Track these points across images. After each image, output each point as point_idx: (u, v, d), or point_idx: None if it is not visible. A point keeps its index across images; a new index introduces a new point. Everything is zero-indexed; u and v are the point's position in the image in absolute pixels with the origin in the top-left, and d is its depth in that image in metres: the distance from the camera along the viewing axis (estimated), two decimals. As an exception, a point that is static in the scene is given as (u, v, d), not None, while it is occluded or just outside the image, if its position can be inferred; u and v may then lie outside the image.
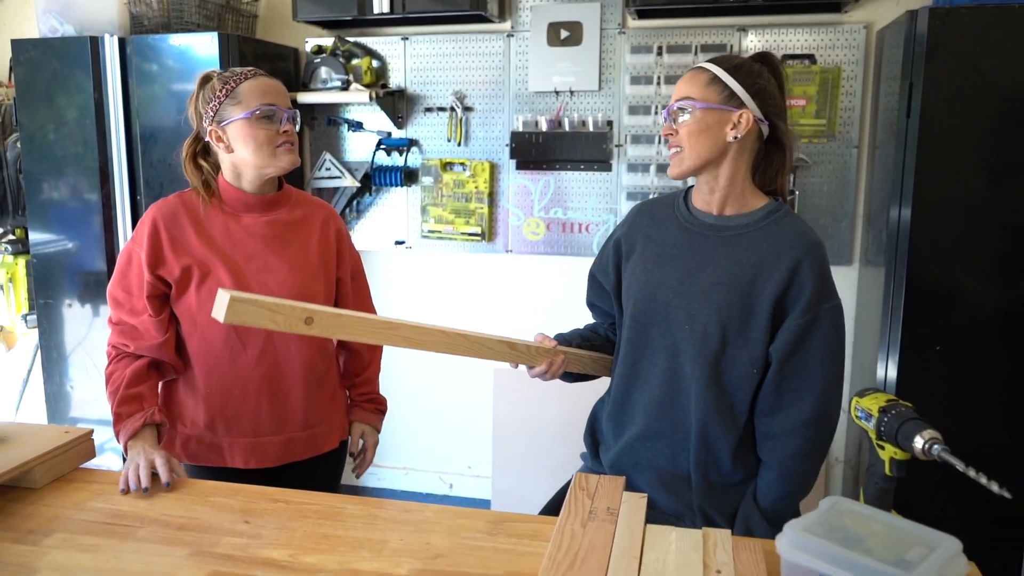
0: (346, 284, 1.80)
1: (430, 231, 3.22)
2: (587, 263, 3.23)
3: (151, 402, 1.58)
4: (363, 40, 3.19)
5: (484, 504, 3.37)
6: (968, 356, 2.40)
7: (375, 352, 1.91)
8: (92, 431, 1.58)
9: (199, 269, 1.61)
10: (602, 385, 1.79)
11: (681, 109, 1.47)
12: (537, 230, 3.18)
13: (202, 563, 1.20)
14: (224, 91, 1.58)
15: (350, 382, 1.89)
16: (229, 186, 1.65)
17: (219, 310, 1.24)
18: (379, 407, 1.91)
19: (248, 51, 2.97)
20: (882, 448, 1.15)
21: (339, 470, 1.88)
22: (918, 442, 1.07)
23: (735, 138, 1.46)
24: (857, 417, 1.20)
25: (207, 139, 1.63)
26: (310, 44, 3.17)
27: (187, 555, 1.22)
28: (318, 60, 3.11)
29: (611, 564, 1.11)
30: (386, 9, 2.90)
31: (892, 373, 2.48)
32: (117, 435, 1.53)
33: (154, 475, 1.45)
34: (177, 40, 2.86)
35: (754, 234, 1.48)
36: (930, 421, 1.09)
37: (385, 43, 3.20)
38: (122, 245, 3.04)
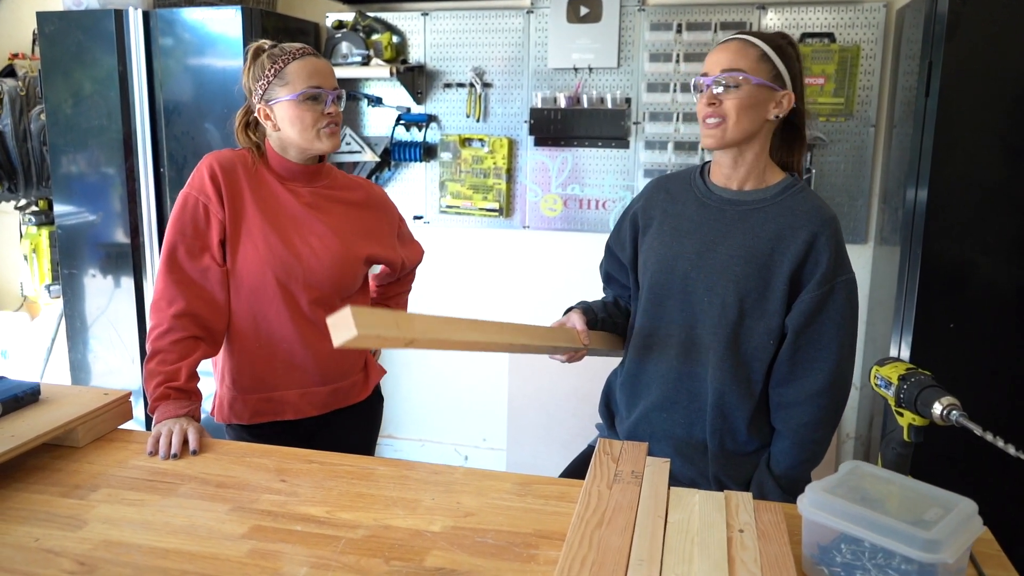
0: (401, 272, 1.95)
1: (448, 206, 3.26)
2: (604, 240, 3.27)
3: (197, 398, 1.62)
4: (383, 15, 3.21)
5: (498, 476, 3.43)
6: (981, 334, 2.43)
7: (409, 283, 2.07)
8: (130, 394, 1.63)
9: (249, 223, 1.66)
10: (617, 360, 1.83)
11: (735, 85, 1.45)
12: (555, 206, 3.21)
13: (243, 518, 1.25)
14: (272, 71, 1.62)
15: (381, 301, 2.02)
16: (276, 155, 1.71)
17: (344, 326, 1.16)
18: None
19: (270, 25, 2.99)
20: (901, 415, 1.19)
21: (380, 413, 1.97)
22: (937, 408, 1.11)
23: (776, 117, 1.49)
24: (876, 385, 1.24)
25: (256, 115, 1.68)
26: (331, 19, 3.19)
27: (228, 510, 1.27)
28: (339, 35, 3.13)
29: (637, 522, 1.16)
30: (407, -16, 2.92)
31: (906, 350, 2.51)
32: (153, 409, 1.57)
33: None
34: (200, 14, 2.89)
35: (770, 208, 1.51)
36: (948, 388, 1.12)
37: (405, 18, 3.22)
38: (146, 217, 3.10)
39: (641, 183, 3.08)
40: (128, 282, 3.16)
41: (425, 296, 3.39)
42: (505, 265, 3.35)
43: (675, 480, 1.57)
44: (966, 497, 1.06)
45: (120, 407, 1.60)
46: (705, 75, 1.49)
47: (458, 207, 3.25)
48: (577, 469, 1.68)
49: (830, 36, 2.85)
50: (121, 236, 3.11)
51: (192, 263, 1.65)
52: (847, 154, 2.92)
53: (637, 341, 1.65)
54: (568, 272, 3.28)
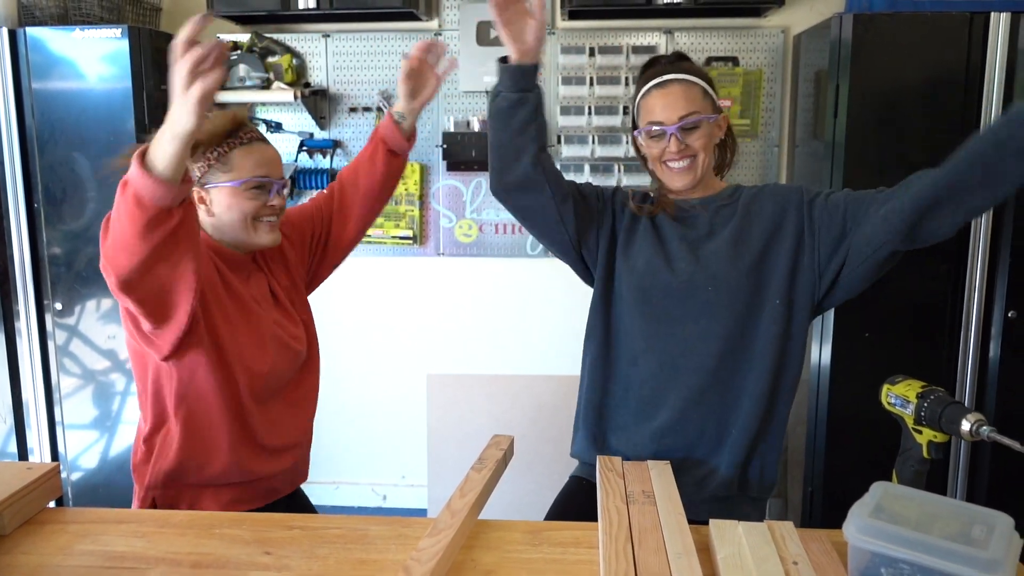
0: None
1: (359, 235, 3.11)
2: (522, 264, 3.21)
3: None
4: (281, 36, 3.04)
5: (420, 514, 3.29)
6: (894, 342, 2.56)
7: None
8: (58, 465, 1.41)
9: (213, 314, 1.45)
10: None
11: (695, 126, 1.52)
12: (470, 232, 3.14)
13: (236, 603, 1.09)
14: (215, 154, 1.47)
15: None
16: (214, 242, 1.53)
17: None
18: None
19: (156, 46, 2.76)
20: (919, 432, 1.20)
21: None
22: (965, 425, 1.12)
23: (720, 140, 1.60)
24: (890, 404, 1.24)
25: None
26: (222, 40, 2.98)
27: (215, 596, 1.11)
28: (235, 57, 2.93)
29: (667, 544, 1.12)
30: (312, 4, 2.77)
31: (826, 358, 2.61)
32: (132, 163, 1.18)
33: None
34: (80, 34, 2.63)
35: (744, 195, 1.58)
36: (968, 405, 1.14)
37: (304, 40, 3.07)
38: (17, 259, 2.77)
39: (558, 206, 3.05)
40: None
41: (338, 331, 3.22)
42: (421, 294, 3.23)
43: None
44: (999, 511, 1.08)
45: (48, 482, 1.38)
46: (660, 124, 1.52)
47: (369, 236, 3.11)
48: (564, 507, 1.60)
49: (734, 60, 2.95)
50: (-13, 280, 2.76)
51: None
52: (754, 173, 3.03)
53: (628, 350, 1.58)
54: (487, 299, 3.21)
